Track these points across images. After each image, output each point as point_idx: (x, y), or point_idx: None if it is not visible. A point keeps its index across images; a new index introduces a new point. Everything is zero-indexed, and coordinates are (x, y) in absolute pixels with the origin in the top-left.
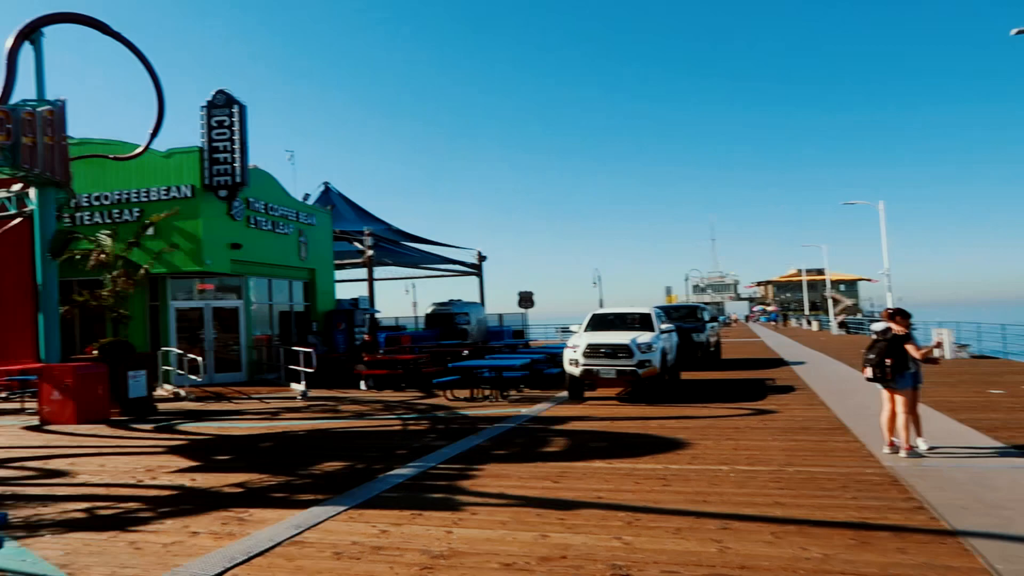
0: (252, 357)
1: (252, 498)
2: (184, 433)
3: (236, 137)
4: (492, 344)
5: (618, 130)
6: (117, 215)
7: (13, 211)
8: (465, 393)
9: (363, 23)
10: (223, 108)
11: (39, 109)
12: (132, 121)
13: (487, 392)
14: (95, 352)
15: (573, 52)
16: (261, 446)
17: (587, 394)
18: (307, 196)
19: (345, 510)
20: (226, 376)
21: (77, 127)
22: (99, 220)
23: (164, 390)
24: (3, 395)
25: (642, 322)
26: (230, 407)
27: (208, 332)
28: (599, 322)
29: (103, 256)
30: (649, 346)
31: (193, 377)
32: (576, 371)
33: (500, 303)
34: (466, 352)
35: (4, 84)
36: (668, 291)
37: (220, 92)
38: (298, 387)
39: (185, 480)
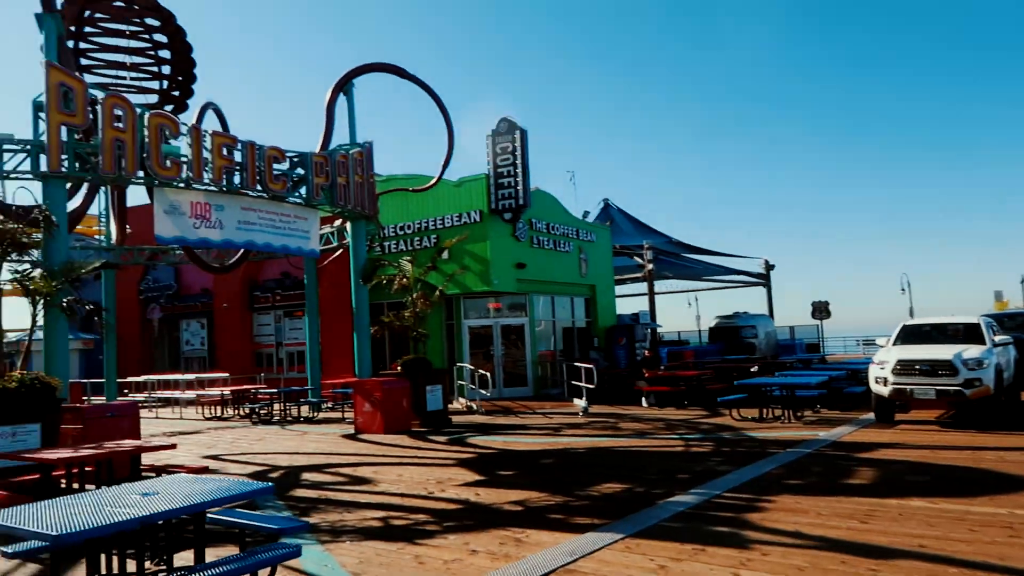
0: (537, 372)
1: (530, 518)
2: (473, 446)
3: (519, 162)
4: (783, 359)
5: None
6: (417, 242)
7: (335, 244)
8: (753, 413)
9: (672, 32)
10: (506, 135)
11: (351, 151)
12: (428, 153)
13: (778, 412)
14: (399, 368)
15: (905, 57)
16: (542, 462)
17: (898, 416)
18: (586, 213)
19: (622, 539)
20: (514, 391)
21: (383, 164)
22: (403, 247)
23: (459, 403)
24: (329, 405)
25: (968, 333)
26: (516, 421)
27: (497, 348)
28: (912, 334)
29: (404, 280)
30: (979, 362)
31: (483, 392)
32: (885, 390)
33: (791, 314)
34: (754, 368)
35: (324, 133)
36: (998, 296)
37: (503, 120)
38: (580, 403)
39: (470, 494)
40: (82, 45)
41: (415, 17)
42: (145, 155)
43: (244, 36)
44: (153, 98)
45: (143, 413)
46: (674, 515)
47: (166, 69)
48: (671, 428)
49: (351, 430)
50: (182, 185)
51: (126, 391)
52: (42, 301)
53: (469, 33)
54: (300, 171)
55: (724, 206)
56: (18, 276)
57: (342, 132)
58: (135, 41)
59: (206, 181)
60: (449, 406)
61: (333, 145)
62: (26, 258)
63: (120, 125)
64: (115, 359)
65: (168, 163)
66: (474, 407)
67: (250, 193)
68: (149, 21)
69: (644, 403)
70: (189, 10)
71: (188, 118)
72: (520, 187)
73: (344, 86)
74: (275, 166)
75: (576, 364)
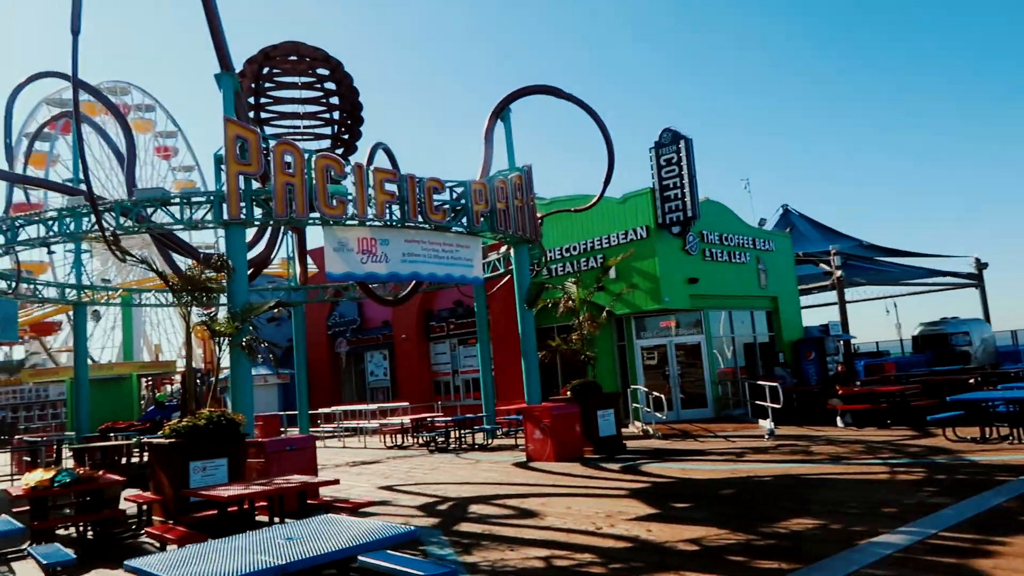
0: (717, 392)
1: (705, 560)
2: (646, 475)
3: (684, 172)
4: (1006, 369)
5: None
6: (584, 263)
7: (502, 270)
8: (973, 432)
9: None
10: (670, 146)
11: (509, 176)
12: (588, 173)
13: (1005, 432)
14: (568, 393)
15: None
16: (722, 493)
17: None
18: (763, 221)
19: None
20: (692, 412)
21: (543, 187)
22: (569, 269)
23: (634, 427)
24: (503, 431)
25: None
26: (694, 446)
27: (672, 368)
28: None
29: (570, 303)
30: None
31: (658, 415)
32: None
33: (1016, 318)
34: (972, 380)
35: (484, 160)
36: None
37: (667, 130)
38: (765, 424)
39: (640, 530)
40: (262, 100)
41: (568, 34)
42: (313, 196)
43: (401, 70)
44: (327, 143)
45: (331, 443)
46: (880, 560)
47: (335, 114)
48: (872, 452)
49: (523, 457)
50: (354, 222)
51: (319, 421)
52: (226, 341)
53: (622, 44)
54: (460, 200)
55: (922, 202)
56: (205, 318)
57: (500, 157)
58: (307, 91)
59: (370, 216)
60: (623, 430)
61: (492, 171)
62: (210, 301)
63: (290, 170)
64: (306, 392)
65: (334, 202)
66: (650, 431)
67: (413, 225)
68: (320, 71)
69: (839, 423)
70: (351, 53)
71: (360, 158)
72: (688, 198)
73: (501, 112)
74: (435, 196)
75: (759, 382)
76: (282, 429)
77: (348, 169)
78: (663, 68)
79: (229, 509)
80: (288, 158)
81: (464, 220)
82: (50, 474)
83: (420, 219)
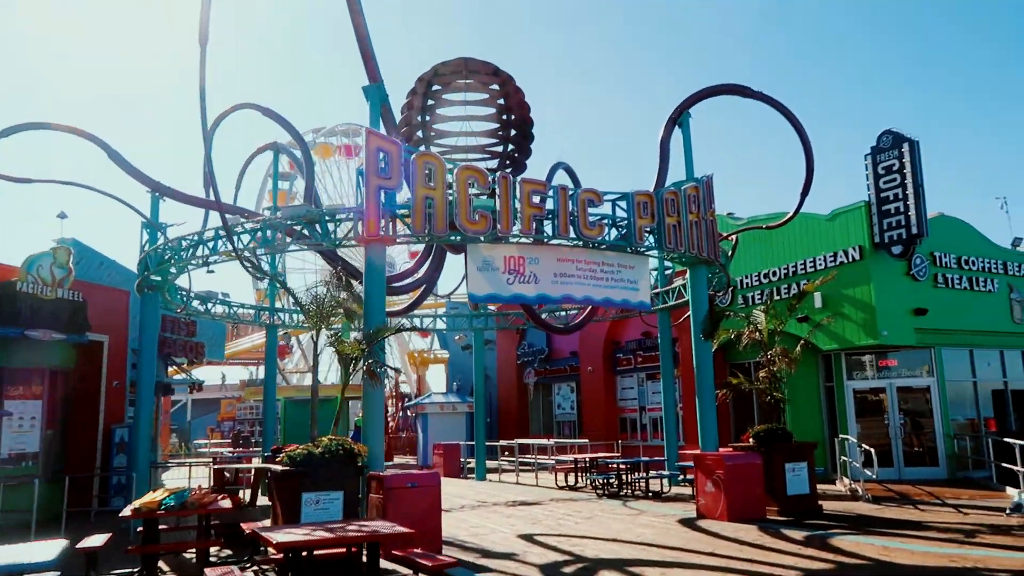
0: (951, 448)
1: None
2: (834, 551)
3: (908, 181)
4: None
5: None
6: (786, 290)
7: (688, 297)
8: None
9: None
10: (890, 151)
11: (683, 187)
12: (779, 188)
13: None
14: (751, 440)
15: None
16: None
17: None
18: (1018, 241)
19: None
20: (918, 471)
21: (728, 204)
22: (766, 297)
23: (841, 484)
24: (682, 478)
25: None
26: (911, 515)
27: (893, 416)
28: None
29: (756, 334)
30: None
31: (867, 472)
32: None
33: None
34: None
35: (658, 172)
36: None
37: (886, 133)
38: (1013, 494)
39: None
40: (427, 117)
41: (757, 34)
42: (454, 211)
43: (567, 83)
44: (495, 163)
45: (507, 477)
46: None
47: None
48: None
49: (693, 513)
50: (498, 239)
51: (506, 453)
52: (352, 364)
53: (831, 40)
54: (621, 214)
55: None
56: (331, 338)
57: (678, 169)
58: (474, 108)
59: (515, 232)
60: (827, 488)
61: (668, 184)
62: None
63: (431, 183)
64: (483, 422)
65: (476, 217)
66: (859, 491)
67: (566, 243)
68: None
69: None
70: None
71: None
72: (912, 212)
73: (679, 118)
74: (591, 210)
75: (1009, 440)
76: (462, 460)
77: (492, 180)
78: (876, 61)
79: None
80: (429, 169)
81: (624, 236)
82: (161, 495)
83: (572, 235)
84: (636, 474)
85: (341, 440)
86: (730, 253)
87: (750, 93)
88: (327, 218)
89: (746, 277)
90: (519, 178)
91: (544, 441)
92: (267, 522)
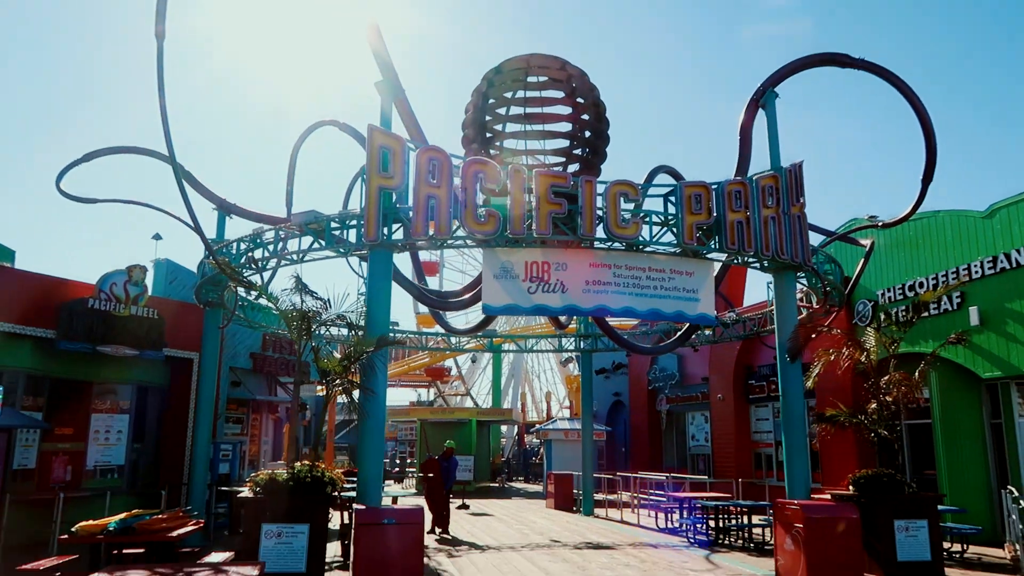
0: None
1: None
2: None
3: None
4: None
5: None
6: (935, 306)
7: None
8: None
9: None
10: None
11: (756, 178)
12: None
13: None
14: (850, 488)
15: None
16: None
17: None
18: None
19: None
20: None
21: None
22: (900, 315)
23: (1007, 550)
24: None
25: None
26: None
27: None
28: None
29: (859, 355)
30: None
31: None
32: None
33: None
34: None
35: (739, 160)
36: None
37: None
38: None
39: None
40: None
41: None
42: (457, 209)
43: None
44: (567, 165)
45: (612, 513)
46: None
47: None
48: None
49: (771, 572)
50: (513, 242)
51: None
52: (335, 381)
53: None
54: (671, 209)
55: None
56: (314, 351)
57: (761, 157)
58: (532, 107)
59: (530, 232)
60: (983, 551)
61: (751, 173)
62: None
63: (433, 180)
64: (592, 452)
65: (483, 216)
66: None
67: (601, 246)
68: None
69: None
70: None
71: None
72: None
73: (762, 98)
74: (624, 205)
75: None
76: (576, 491)
77: (503, 174)
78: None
79: None
80: (433, 165)
81: (672, 235)
82: (112, 519)
83: (601, 234)
84: (738, 519)
85: (313, 466)
86: (861, 263)
87: (851, 62)
88: (334, 224)
89: (888, 290)
90: (535, 171)
91: (655, 475)
92: (228, 555)
